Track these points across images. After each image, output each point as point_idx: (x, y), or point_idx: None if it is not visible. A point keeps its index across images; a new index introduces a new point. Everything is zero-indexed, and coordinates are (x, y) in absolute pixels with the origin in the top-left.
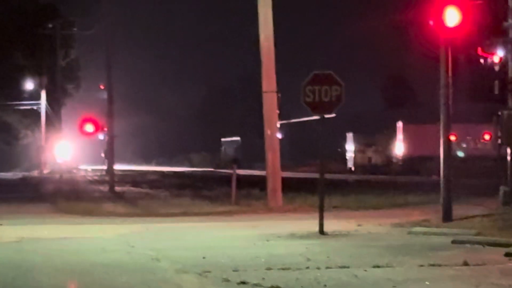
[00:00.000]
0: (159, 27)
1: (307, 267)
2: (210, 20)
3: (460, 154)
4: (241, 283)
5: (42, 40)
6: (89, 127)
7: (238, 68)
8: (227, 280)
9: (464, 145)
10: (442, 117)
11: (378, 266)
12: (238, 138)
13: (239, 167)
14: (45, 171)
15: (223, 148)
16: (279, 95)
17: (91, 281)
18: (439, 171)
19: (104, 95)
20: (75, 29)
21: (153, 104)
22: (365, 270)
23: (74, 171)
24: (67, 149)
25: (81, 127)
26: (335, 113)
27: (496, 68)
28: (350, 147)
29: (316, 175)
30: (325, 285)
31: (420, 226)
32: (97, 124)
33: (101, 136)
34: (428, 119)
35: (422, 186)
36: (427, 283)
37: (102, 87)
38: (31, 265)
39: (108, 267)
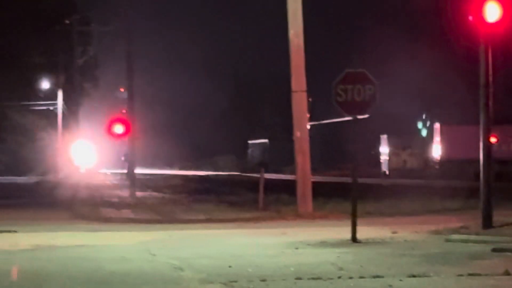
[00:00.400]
0: (184, 22)
1: (339, 277)
2: (238, 15)
3: None
4: None
5: (58, 37)
6: (119, 128)
7: (267, 66)
8: None
9: None
10: (482, 118)
11: (414, 276)
12: (265, 140)
13: (267, 171)
14: (62, 175)
15: (250, 150)
16: (310, 99)
17: None
18: (478, 175)
19: (125, 95)
20: (92, 25)
21: (177, 105)
22: (401, 280)
23: (93, 175)
24: (85, 151)
25: (109, 128)
26: (369, 114)
27: None
28: (384, 150)
29: (348, 179)
30: None
31: (459, 233)
32: (127, 125)
33: None
34: (467, 120)
35: (461, 191)
36: None
37: (122, 89)
38: (47, 275)
39: (127, 276)
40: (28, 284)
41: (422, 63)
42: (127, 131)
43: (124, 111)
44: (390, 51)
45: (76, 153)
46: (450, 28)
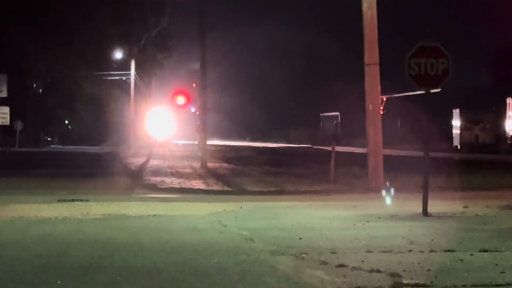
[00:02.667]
0: None
1: (410, 250)
2: None
3: None
4: (339, 266)
5: (132, 7)
6: (180, 100)
7: (339, 38)
8: (324, 263)
9: None
10: None
11: (485, 251)
12: (337, 113)
13: (338, 144)
14: (134, 145)
15: (321, 123)
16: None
17: (181, 261)
18: None
19: (197, 66)
20: None
21: (249, 77)
22: (471, 255)
23: (165, 145)
24: (160, 121)
25: (172, 99)
26: (441, 88)
27: None
28: (456, 124)
29: (420, 153)
30: (428, 270)
31: None
32: (188, 96)
33: (192, 109)
34: None
35: None
36: None
37: (194, 85)
38: (118, 243)
39: (199, 246)
40: (100, 253)
41: (494, 37)
42: (187, 102)
43: (194, 85)
44: (461, 24)
45: (150, 123)
46: None
